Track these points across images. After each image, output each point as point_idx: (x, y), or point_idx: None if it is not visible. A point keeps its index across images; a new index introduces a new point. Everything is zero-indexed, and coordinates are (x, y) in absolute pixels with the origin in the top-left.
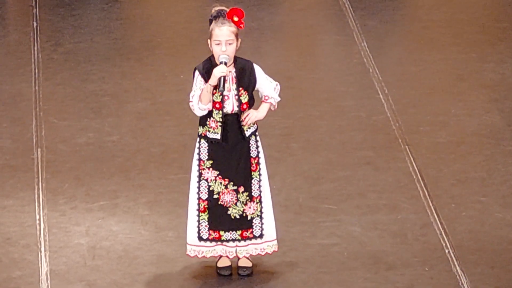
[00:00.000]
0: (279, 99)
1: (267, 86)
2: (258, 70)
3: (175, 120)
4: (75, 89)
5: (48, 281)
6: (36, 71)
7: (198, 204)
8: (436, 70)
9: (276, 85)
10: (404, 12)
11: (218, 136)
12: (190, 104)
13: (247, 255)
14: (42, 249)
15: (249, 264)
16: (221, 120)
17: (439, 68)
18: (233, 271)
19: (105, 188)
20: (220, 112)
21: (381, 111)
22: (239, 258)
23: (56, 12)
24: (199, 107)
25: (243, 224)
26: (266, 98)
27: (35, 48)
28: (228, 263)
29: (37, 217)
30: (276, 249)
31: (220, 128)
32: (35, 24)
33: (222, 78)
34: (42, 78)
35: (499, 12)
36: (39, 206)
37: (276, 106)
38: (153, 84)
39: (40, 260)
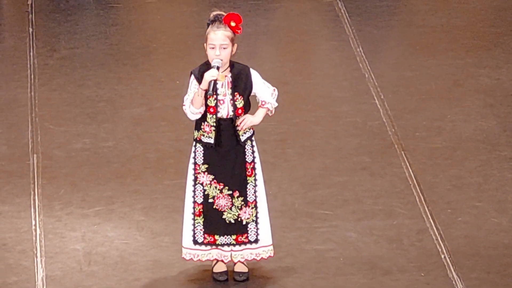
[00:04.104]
0: (276, 104)
1: (264, 91)
2: (255, 75)
3: (171, 126)
4: (71, 95)
5: (44, 287)
6: (32, 76)
7: (194, 207)
8: (432, 76)
9: (274, 90)
10: (400, 17)
11: (211, 141)
12: (183, 107)
13: (242, 260)
14: (38, 254)
15: (245, 270)
16: (214, 124)
17: (435, 74)
18: (229, 276)
19: (101, 193)
20: (214, 116)
21: (377, 116)
22: (235, 263)
23: (52, 17)
24: (191, 111)
25: (238, 229)
26: (263, 103)
27: (31, 53)
28: (224, 268)
29: (33, 222)
30: (272, 255)
31: (213, 132)
32: (31, 29)
33: (213, 82)
34: (38, 84)
35: (495, 18)
36: (35, 212)
37: (273, 112)
38: (149, 89)
39: (36, 266)
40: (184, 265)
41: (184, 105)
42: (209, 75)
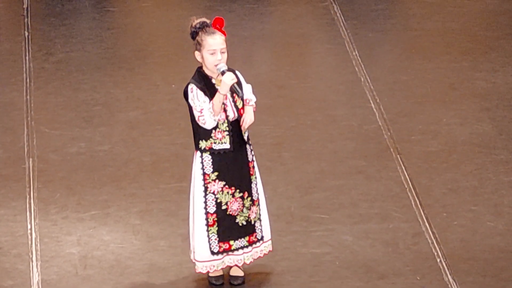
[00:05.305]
0: (255, 99)
1: (247, 90)
2: (240, 76)
3: (167, 130)
4: (67, 98)
5: None
6: (28, 80)
7: (207, 219)
8: (427, 79)
9: (251, 87)
10: (396, 21)
11: (227, 146)
12: (201, 118)
13: (252, 260)
14: (34, 258)
15: (241, 274)
16: (227, 129)
17: (431, 77)
18: (225, 280)
19: (97, 197)
20: (226, 121)
21: (372, 120)
22: (231, 267)
23: (47, 21)
24: (214, 119)
25: (249, 229)
26: (248, 101)
27: (27, 57)
28: (220, 273)
29: (29, 226)
30: (271, 249)
31: (228, 137)
32: (26, 33)
33: (236, 84)
34: (33, 88)
35: (491, 21)
36: (30, 216)
37: (255, 107)
38: (144, 93)
39: (32, 270)
40: (180, 269)
41: (202, 115)
42: (229, 79)
